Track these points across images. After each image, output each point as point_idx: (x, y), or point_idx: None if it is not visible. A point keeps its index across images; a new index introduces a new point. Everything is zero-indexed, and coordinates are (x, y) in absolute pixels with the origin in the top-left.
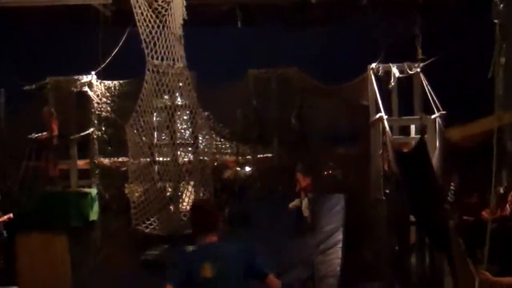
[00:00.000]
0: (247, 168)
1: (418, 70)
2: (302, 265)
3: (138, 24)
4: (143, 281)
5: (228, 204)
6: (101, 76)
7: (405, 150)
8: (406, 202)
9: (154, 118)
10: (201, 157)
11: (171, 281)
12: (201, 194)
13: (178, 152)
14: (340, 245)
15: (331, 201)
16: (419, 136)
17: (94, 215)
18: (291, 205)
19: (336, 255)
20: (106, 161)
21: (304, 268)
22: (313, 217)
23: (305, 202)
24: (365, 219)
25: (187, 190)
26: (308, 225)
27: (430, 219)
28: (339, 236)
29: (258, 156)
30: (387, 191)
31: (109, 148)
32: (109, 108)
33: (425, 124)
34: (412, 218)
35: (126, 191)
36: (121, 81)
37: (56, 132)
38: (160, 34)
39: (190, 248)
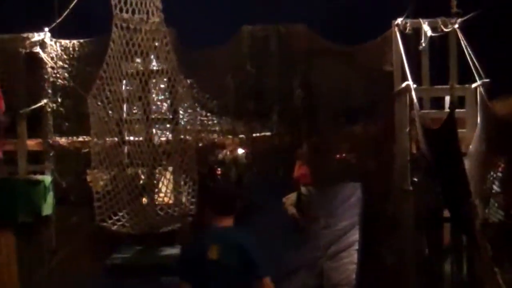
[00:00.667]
0: (240, 151)
1: (455, 27)
2: (307, 271)
3: None
4: None
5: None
6: (56, 34)
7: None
8: (439, 193)
9: (124, 87)
10: (182, 136)
11: (183, 277)
12: (182, 183)
13: (153, 130)
14: (355, 247)
15: (344, 191)
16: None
17: (48, 208)
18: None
19: (351, 259)
20: (63, 140)
21: (310, 275)
22: (308, 216)
23: (290, 198)
24: (387, 215)
25: (165, 177)
26: (299, 227)
27: (459, 215)
28: (355, 235)
29: (254, 135)
30: (415, 179)
31: (67, 124)
32: (66, 74)
33: (461, 95)
34: (446, 213)
35: (88, 178)
36: (81, 40)
37: (1, 107)
38: None
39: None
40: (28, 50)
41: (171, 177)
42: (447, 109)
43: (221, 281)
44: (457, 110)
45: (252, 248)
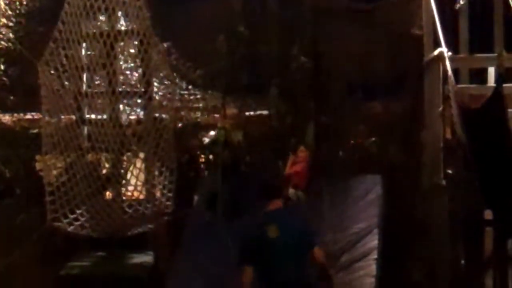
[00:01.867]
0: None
1: None
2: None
3: None
4: None
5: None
6: None
7: (476, 106)
8: (480, 190)
9: (83, 52)
10: (157, 114)
11: (248, 263)
12: (156, 173)
13: (121, 106)
14: (374, 256)
15: (361, 186)
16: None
17: None
18: None
19: (368, 271)
20: (6, 118)
21: None
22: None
23: None
24: (414, 216)
25: (134, 166)
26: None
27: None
28: (373, 241)
29: (248, 113)
30: (450, 171)
31: (12, 98)
32: (11, 35)
33: (504, 68)
34: (488, 214)
35: (39, 166)
36: None
37: None
38: None
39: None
40: None
41: (143, 166)
42: (491, 84)
43: (282, 259)
44: (505, 85)
45: (304, 224)
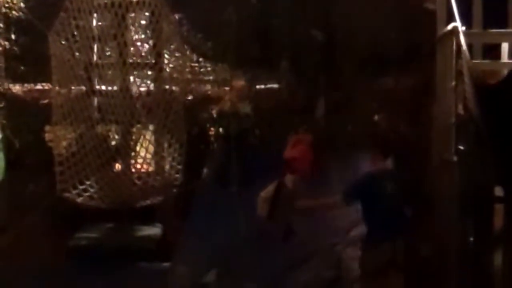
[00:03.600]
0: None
1: None
2: (321, 260)
3: None
4: (70, 278)
5: (220, 154)
6: None
7: (492, 82)
8: (491, 166)
9: (94, 23)
10: (167, 86)
11: (351, 201)
12: (166, 145)
13: (131, 78)
14: None
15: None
16: None
17: None
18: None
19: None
20: (17, 88)
21: (325, 265)
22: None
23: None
24: (423, 192)
25: (144, 138)
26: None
27: None
28: None
29: (258, 87)
30: (461, 147)
31: (22, 68)
32: (22, 4)
33: None
34: (499, 191)
35: (48, 137)
36: None
37: None
38: None
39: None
40: None
41: (152, 138)
42: (505, 59)
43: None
44: None
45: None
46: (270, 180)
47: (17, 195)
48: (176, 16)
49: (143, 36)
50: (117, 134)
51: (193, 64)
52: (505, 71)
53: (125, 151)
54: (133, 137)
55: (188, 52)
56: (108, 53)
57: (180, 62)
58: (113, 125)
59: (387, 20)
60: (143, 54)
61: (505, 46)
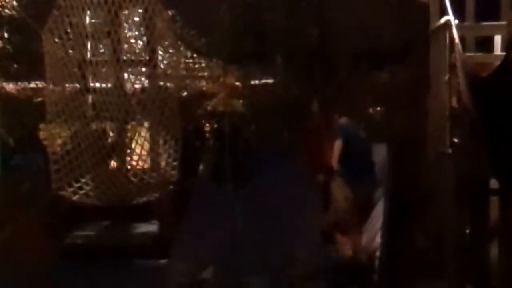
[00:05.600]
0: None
1: None
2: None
3: None
4: (66, 278)
5: (213, 151)
6: None
7: (485, 74)
8: (486, 158)
9: (87, 20)
10: (162, 83)
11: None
12: (161, 142)
13: (125, 75)
14: (379, 223)
15: None
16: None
17: None
18: None
19: (373, 237)
20: (10, 87)
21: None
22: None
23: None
24: (419, 184)
25: (139, 135)
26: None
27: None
28: (379, 210)
29: (253, 82)
30: (456, 140)
31: (16, 66)
32: (15, 3)
33: None
34: (494, 183)
35: (43, 135)
36: None
37: None
38: None
39: None
40: None
41: (147, 134)
42: (498, 52)
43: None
44: None
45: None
46: (265, 175)
47: (11, 194)
48: (170, 13)
49: (136, 33)
50: (112, 131)
51: (187, 61)
52: (498, 63)
53: (120, 148)
54: (128, 134)
55: (182, 49)
56: (102, 51)
57: (174, 58)
58: (108, 123)
59: (381, 14)
60: (137, 51)
61: (497, 39)
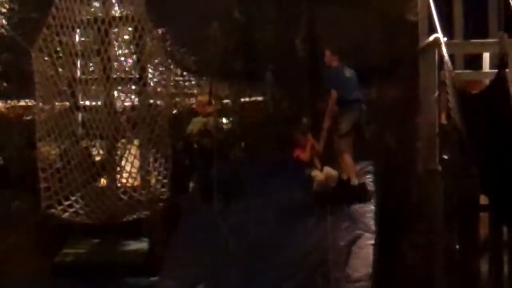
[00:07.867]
0: (225, 120)
1: None
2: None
3: None
4: None
5: (197, 171)
6: None
7: (475, 92)
8: (475, 175)
9: (77, 38)
10: (152, 101)
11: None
12: (151, 159)
13: (115, 93)
14: (371, 240)
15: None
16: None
17: None
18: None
19: (365, 255)
20: (0, 105)
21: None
22: None
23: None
24: (409, 201)
25: (129, 152)
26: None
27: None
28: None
29: (243, 100)
30: (445, 156)
31: (5, 85)
32: (5, 21)
33: (506, 51)
34: (484, 199)
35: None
36: None
37: None
38: None
39: None
40: None
41: (138, 152)
42: (486, 70)
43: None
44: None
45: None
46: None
47: (1, 212)
48: (160, 31)
49: (126, 51)
50: (102, 149)
51: (177, 78)
52: (487, 81)
53: (111, 166)
54: (118, 152)
55: (172, 66)
56: (91, 69)
57: (164, 76)
58: (98, 140)
59: (370, 32)
60: (127, 69)
61: (486, 56)
